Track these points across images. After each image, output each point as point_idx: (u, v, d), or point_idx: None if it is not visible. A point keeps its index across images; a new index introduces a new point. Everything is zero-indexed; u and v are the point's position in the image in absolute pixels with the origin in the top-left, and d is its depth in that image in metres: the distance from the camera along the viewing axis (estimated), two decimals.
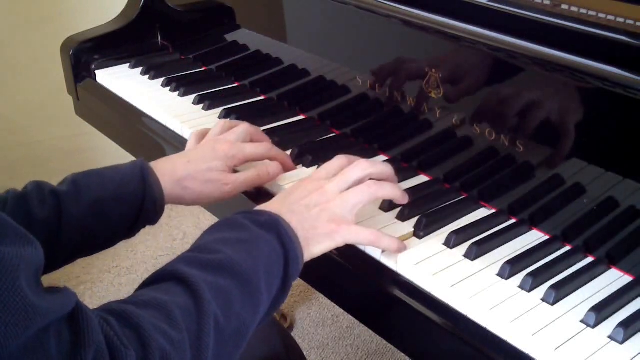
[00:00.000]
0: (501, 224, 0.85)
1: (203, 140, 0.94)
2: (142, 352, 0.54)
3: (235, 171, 0.91)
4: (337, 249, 0.82)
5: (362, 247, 0.82)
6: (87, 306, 0.53)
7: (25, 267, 0.47)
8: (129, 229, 0.84)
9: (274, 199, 0.79)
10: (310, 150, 1.00)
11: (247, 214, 0.73)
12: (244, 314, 0.64)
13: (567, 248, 0.81)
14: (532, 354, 0.68)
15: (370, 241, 0.78)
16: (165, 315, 0.57)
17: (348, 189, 0.78)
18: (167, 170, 0.86)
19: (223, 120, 0.97)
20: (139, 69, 1.31)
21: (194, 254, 0.66)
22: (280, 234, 0.70)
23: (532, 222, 0.85)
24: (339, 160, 0.82)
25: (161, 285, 0.62)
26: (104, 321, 0.54)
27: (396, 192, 0.81)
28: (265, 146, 0.92)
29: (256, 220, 0.71)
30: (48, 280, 0.52)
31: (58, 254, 0.79)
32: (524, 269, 0.77)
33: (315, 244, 0.74)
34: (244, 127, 0.93)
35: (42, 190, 0.79)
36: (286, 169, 0.95)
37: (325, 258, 0.83)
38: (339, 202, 0.76)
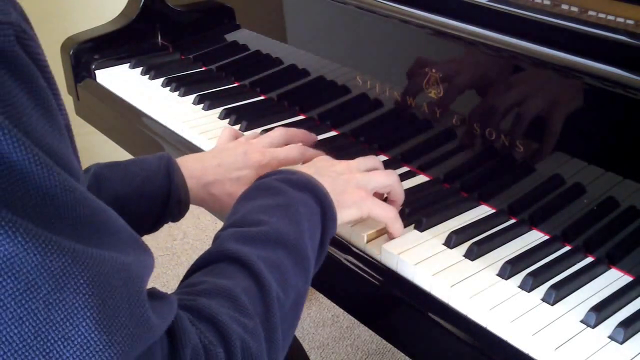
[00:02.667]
0: (501, 224, 0.85)
1: (236, 141, 0.89)
2: (225, 346, 0.53)
3: None
4: (337, 249, 0.83)
5: (361, 247, 0.82)
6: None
7: (147, 277, 0.46)
8: (151, 226, 0.81)
9: (298, 168, 0.77)
10: None
11: (278, 174, 0.71)
12: (298, 284, 0.63)
13: (567, 248, 0.81)
14: (532, 354, 0.68)
15: (392, 218, 0.79)
16: (234, 303, 0.56)
17: None
18: (196, 172, 0.83)
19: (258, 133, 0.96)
20: (139, 69, 1.31)
21: (237, 228, 0.64)
22: (315, 192, 0.70)
23: (532, 222, 0.85)
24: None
25: (214, 267, 0.60)
26: (188, 320, 0.52)
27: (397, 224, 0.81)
28: (298, 149, 0.87)
29: (289, 179, 0.70)
30: None
31: None
32: (524, 269, 0.77)
33: (345, 209, 0.74)
34: (280, 133, 0.90)
35: None
36: None
37: (325, 258, 0.84)
38: (363, 176, 0.78)
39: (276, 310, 0.58)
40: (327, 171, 0.76)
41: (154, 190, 0.79)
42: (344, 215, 0.74)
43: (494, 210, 0.88)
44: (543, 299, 0.73)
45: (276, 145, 0.88)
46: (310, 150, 0.89)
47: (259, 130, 1.07)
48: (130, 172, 0.79)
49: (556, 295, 0.72)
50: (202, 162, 0.84)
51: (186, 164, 0.83)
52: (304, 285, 0.65)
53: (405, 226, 0.82)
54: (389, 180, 0.81)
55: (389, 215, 0.78)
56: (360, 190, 0.76)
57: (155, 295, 0.50)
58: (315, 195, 0.69)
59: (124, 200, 0.78)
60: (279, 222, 0.65)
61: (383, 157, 1.01)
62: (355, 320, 1.32)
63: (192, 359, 0.49)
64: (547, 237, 0.83)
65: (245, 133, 1.03)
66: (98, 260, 0.43)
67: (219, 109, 1.15)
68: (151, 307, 0.47)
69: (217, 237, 0.65)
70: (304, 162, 0.87)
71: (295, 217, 0.66)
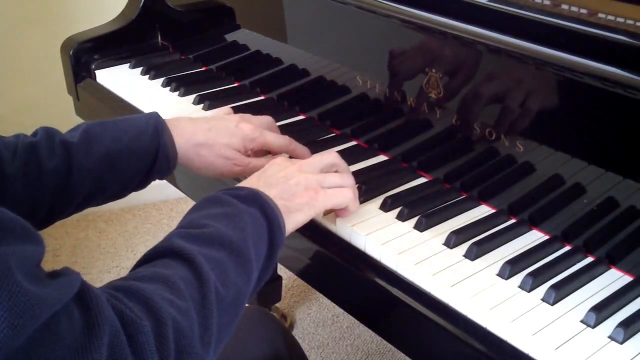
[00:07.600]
0: (501, 224, 0.85)
1: (230, 114, 0.96)
2: (155, 322, 0.54)
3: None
4: (337, 249, 0.83)
5: (361, 247, 0.82)
6: (92, 285, 0.53)
7: (21, 263, 0.47)
8: (141, 182, 0.85)
9: (249, 177, 0.80)
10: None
11: (227, 190, 0.74)
12: (239, 283, 0.65)
13: (567, 248, 0.81)
14: (532, 354, 0.68)
15: (350, 199, 0.81)
16: (170, 287, 0.58)
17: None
18: (187, 132, 0.87)
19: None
20: (139, 69, 1.31)
21: (184, 229, 0.67)
22: (261, 205, 0.72)
23: (532, 222, 0.85)
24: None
25: (158, 261, 0.63)
26: (113, 297, 0.54)
27: (356, 203, 0.83)
28: (286, 139, 0.93)
29: (237, 194, 0.73)
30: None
31: (69, 202, 0.80)
32: (524, 269, 0.77)
33: (296, 213, 0.76)
34: (269, 118, 0.96)
35: (51, 140, 0.79)
36: None
37: (325, 258, 0.84)
38: (314, 176, 0.79)
39: (212, 299, 0.60)
40: (275, 178, 0.78)
41: (143, 146, 0.83)
42: (297, 218, 0.76)
43: (494, 210, 0.88)
44: (543, 299, 0.73)
45: (264, 124, 0.94)
46: (294, 144, 0.94)
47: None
48: (119, 129, 0.83)
49: (556, 295, 0.72)
50: (193, 124, 0.89)
51: (178, 123, 0.88)
52: (246, 286, 0.66)
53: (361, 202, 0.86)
54: (344, 180, 0.82)
55: (348, 197, 0.81)
56: (309, 191, 0.78)
57: (54, 273, 0.51)
58: (261, 208, 0.72)
59: (114, 157, 0.81)
60: (224, 227, 0.67)
61: (383, 157, 1.01)
62: (355, 320, 1.32)
63: (110, 333, 0.50)
64: (547, 237, 0.83)
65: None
66: None
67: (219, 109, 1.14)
68: (47, 283, 0.47)
69: (165, 238, 0.67)
70: (291, 156, 0.93)
71: (240, 225, 0.68)
